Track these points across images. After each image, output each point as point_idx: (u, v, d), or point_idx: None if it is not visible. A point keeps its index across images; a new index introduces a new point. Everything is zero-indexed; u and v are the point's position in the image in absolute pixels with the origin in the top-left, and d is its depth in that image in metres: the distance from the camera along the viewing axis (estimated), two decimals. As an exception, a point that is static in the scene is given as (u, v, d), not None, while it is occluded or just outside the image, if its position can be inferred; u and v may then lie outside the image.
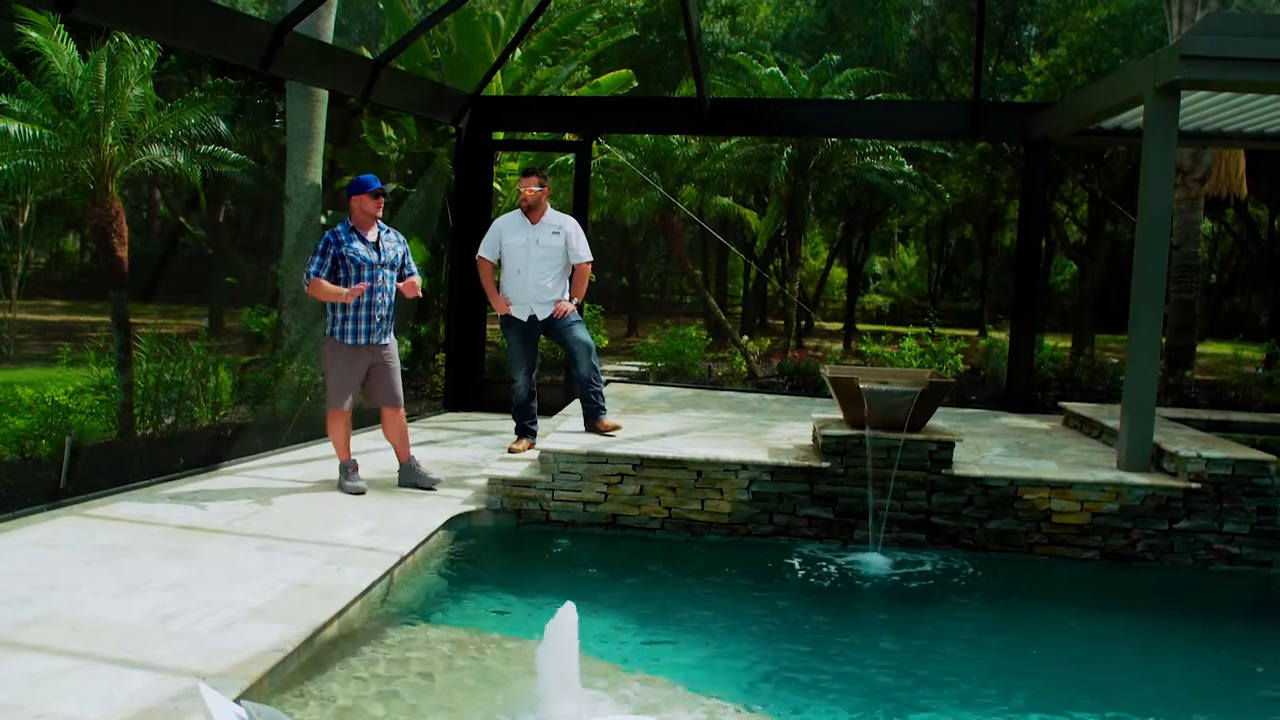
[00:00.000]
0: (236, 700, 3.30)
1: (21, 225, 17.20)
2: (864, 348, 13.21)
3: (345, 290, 6.35)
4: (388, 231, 6.70)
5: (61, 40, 8.88)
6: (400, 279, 6.71)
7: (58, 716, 3.32)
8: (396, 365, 6.75)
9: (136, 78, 8.65)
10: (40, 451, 7.25)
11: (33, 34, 8.77)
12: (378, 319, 6.54)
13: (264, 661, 3.83)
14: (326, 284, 6.39)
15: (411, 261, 6.84)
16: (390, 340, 6.69)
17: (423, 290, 6.89)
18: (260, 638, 4.05)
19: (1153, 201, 6.56)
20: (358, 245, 6.47)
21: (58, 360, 9.56)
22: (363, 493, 6.52)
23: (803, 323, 24.40)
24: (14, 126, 8.81)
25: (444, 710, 3.84)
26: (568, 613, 3.65)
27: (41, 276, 26.67)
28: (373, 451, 7.48)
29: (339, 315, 6.47)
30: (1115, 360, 13.14)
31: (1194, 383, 12.36)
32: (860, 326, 27.76)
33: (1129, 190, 16.51)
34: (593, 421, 7.06)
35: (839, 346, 21.90)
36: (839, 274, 35.01)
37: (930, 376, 6.73)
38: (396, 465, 6.85)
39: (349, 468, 6.64)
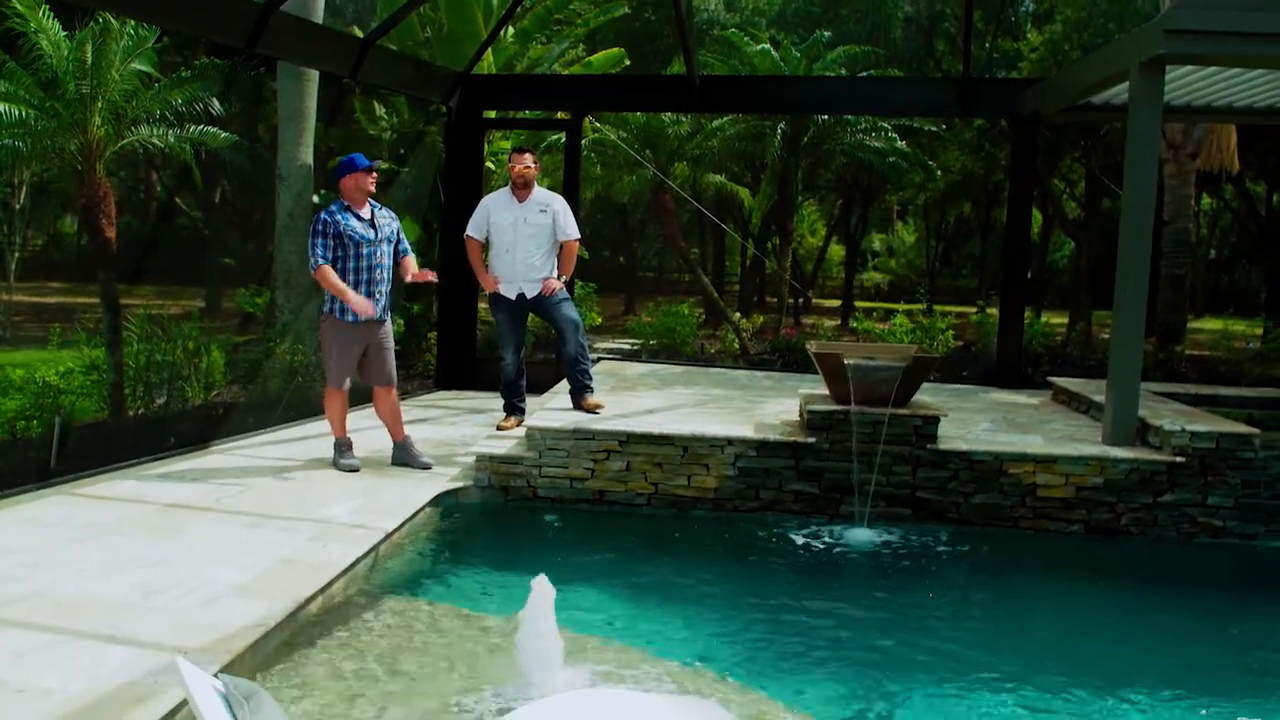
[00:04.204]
0: (215, 675, 3.34)
1: (18, 207, 17.19)
2: (855, 323, 13.24)
3: (351, 295, 6.36)
4: (380, 208, 6.72)
5: (46, 20, 8.84)
6: (395, 255, 6.74)
7: (39, 690, 3.36)
8: (391, 345, 6.79)
9: (121, 58, 8.62)
10: (31, 432, 7.29)
11: (18, 4, 8.72)
12: (377, 296, 6.56)
13: (246, 636, 3.88)
14: (334, 274, 6.37)
15: (404, 238, 6.87)
16: (387, 318, 6.73)
17: (428, 272, 6.93)
18: (243, 613, 4.08)
19: (1137, 176, 6.56)
20: (354, 222, 6.48)
21: (50, 341, 9.60)
22: (356, 470, 6.56)
23: (801, 300, 24.39)
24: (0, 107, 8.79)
25: (425, 684, 3.88)
26: (543, 586, 3.68)
27: (39, 258, 26.66)
28: (365, 429, 7.48)
29: None
30: (1108, 336, 13.16)
31: (1185, 358, 12.38)
32: (859, 304, 27.74)
33: (1124, 166, 16.47)
34: (579, 399, 7.08)
35: (835, 323, 21.93)
36: (837, 251, 34.94)
37: (915, 352, 6.76)
38: (390, 444, 6.88)
39: (344, 445, 6.68)
